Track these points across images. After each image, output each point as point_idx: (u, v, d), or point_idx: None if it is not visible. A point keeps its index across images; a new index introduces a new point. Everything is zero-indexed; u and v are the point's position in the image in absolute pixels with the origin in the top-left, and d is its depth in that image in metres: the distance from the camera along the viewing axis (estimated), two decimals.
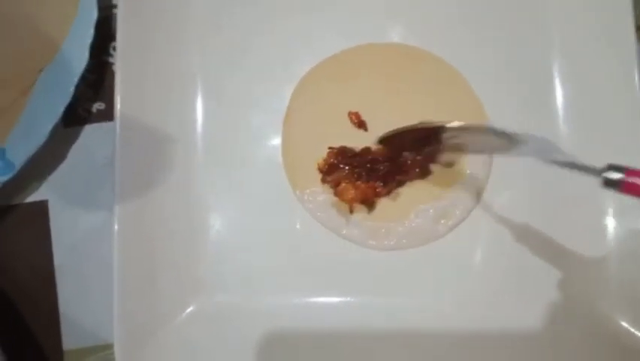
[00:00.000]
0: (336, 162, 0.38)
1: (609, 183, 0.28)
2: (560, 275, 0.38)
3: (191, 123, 0.41)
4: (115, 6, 0.42)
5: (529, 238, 0.39)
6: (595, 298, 0.37)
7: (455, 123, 0.34)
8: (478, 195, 0.39)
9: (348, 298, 0.39)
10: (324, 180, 0.39)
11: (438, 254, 0.39)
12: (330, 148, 0.39)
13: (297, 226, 0.39)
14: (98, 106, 0.42)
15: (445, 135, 0.35)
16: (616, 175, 0.28)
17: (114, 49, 0.41)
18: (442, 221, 0.39)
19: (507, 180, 0.39)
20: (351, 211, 0.39)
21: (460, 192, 0.39)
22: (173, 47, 0.41)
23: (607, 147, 0.38)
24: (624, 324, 0.36)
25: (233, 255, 0.39)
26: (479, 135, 0.35)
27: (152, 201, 0.38)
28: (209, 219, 0.40)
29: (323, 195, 0.39)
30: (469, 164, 0.40)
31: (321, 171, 0.39)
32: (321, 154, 0.39)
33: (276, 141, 0.40)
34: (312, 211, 0.39)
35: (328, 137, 0.39)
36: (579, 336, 0.37)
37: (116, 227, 0.36)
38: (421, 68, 0.41)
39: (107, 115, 0.41)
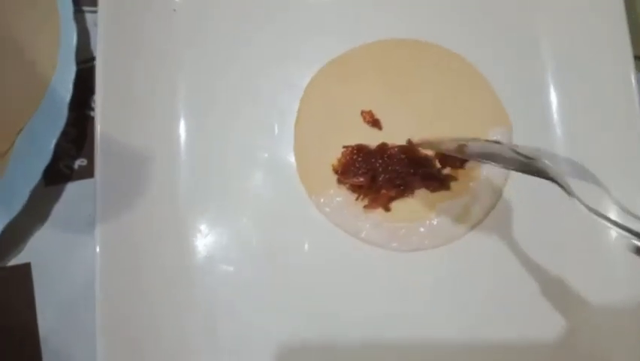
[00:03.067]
0: (355, 158, 0.38)
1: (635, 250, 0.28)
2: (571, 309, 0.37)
3: (177, 170, 0.39)
4: (94, 58, 0.41)
5: (542, 245, 0.38)
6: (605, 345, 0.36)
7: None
8: (498, 191, 0.39)
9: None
10: (339, 182, 0.38)
11: (458, 256, 0.38)
12: (345, 147, 0.38)
13: (300, 260, 0.38)
14: (80, 162, 0.41)
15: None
16: None
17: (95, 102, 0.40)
18: (463, 220, 0.38)
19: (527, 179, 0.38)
20: (388, 210, 0.38)
21: (480, 190, 0.39)
22: (155, 96, 0.40)
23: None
24: None
25: (227, 312, 0.38)
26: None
27: (137, 257, 0.37)
28: (199, 278, 0.38)
29: (339, 198, 0.38)
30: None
31: (336, 172, 0.38)
32: (336, 156, 0.38)
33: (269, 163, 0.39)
34: (330, 216, 0.38)
35: (342, 138, 0.39)
36: None
37: (97, 288, 0.35)
38: (432, 63, 0.40)
39: (90, 172, 0.39)
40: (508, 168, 0.36)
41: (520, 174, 0.37)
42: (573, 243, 0.38)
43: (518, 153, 0.34)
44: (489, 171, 0.39)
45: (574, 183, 0.34)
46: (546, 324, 0.37)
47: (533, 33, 0.41)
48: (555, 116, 0.40)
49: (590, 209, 0.30)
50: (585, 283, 0.37)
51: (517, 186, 0.39)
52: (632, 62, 0.37)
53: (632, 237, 0.28)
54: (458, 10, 0.41)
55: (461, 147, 0.36)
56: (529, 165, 0.32)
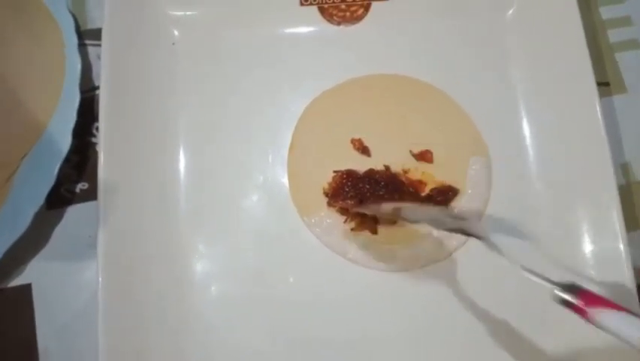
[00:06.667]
0: (344, 182, 0.40)
1: (558, 300, 0.30)
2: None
3: (176, 195, 0.41)
4: (97, 88, 0.43)
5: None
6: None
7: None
8: (479, 215, 0.41)
9: None
10: (329, 204, 0.40)
11: (441, 277, 0.40)
12: (335, 172, 0.40)
13: (291, 280, 0.40)
14: (81, 186, 0.42)
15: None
16: (567, 296, 0.30)
17: (97, 129, 0.42)
18: (446, 242, 0.40)
19: (508, 202, 0.41)
20: (374, 233, 0.40)
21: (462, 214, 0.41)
22: (155, 124, 0.42)
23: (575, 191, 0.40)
24: None
25: (220, 330, 0.39)
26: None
27: (138, 279, 0.38)
28: (197, 295, 0.39)
29: (329, 220, 0.40)
30: (470, 184, 0.41)
31: (326, 195, 0.40)
32: (327, 180, 0.41)
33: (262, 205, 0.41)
34: (320, 236, 0.40)
35: (333, 164, 0.41)
36: None
37: (100, 310, 0.36)
38: (418, 97, 0.43)
39: (91, 195, 0.41)
40: (439, 228, 0.38)
41: (500, 203, 0.41)
42: (555, 260, 0.39)
43: (453, 217, 0.37)
44: (470, 199, 0.41)
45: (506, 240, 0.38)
46: (524, 344, 0.38)
47: (506, 68, 0.44)
48: (529, 145, 0.42)
49: (512, 262, 0.32)
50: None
51: (497, 213, 0.41)
52: (595, 89, 0.40)
53: (553, 286, 0.30)
54: (441, 50, 0.44)
55: (397, 210, 0.38)
56: (457, 226, 0.35)
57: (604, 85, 0.45)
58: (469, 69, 0.44)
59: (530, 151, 0.42)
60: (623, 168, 0.43)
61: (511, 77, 0.44)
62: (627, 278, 0.37)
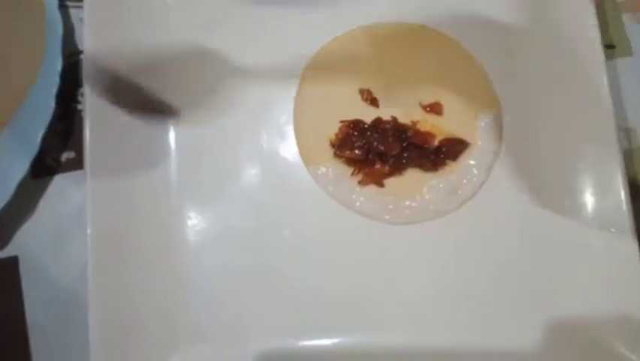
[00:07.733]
0: (351, 132, 0.39)
1: None
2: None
3: (166, 163, 0.40)
4: (80, 52, 0.41)
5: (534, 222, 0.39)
6: (592, 322, 0.37)
7: None
8: (488, 168, 0.40)
9: (345, 338, 0.38)
10: (336, 155, 0.40)
11: (448, 229, 0.39)
12: (342, 122, 0.40)
13: (291, 236, 0.39)
14: (67, 155, 0.41)
15: None
16: None
17: (82, 95, 0.40)
18: (454, 195, 0.40)
19: (517, 157, 0.40)
20: (381, 185, 0.40)
21: (471, 166, 0.40)
22: (143, 87, 0.40)
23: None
24: (621, 349, 0.36)
25: (214, 298, 0.38)
26: None
27: (128, 249, 0.37)
28: (188, 263, 0.38)
29: (336, 171, 0.40)
30: (480, 136, 0.40)
31: (333, 145, 0.40)
32: (334, 130, 0.40)
33: (256, 170, 0.40)
34: (326, 187, 0.40)
35: (341, 115, 0.40)
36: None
37: (90, 279, 0.35)
38: (429, 46, 0.42)
39: (77, 163, 0.40)
40: None
41: (510, 157, 0.40)
42: (560, 220, 0.39)
43: None
44: (481, 152, 0.40)
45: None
46: (533, 297, 0.38)
47: (519, 27, 0.42)
48: (538, 102, 0.41)
49: None
50: (571, 256, 0.38)
51: (505, 165, 0.40)
52: (601, 52, 0.39)
53: None
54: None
55: None
56: None
57: (609, 47, 0.43)
58: (484, 21, 0.42)
59: (540, 111, 0.41)
60: (627, 133, 0.42)
61: (516, 39, 0.42)
62: (629, 242, 0.37)
